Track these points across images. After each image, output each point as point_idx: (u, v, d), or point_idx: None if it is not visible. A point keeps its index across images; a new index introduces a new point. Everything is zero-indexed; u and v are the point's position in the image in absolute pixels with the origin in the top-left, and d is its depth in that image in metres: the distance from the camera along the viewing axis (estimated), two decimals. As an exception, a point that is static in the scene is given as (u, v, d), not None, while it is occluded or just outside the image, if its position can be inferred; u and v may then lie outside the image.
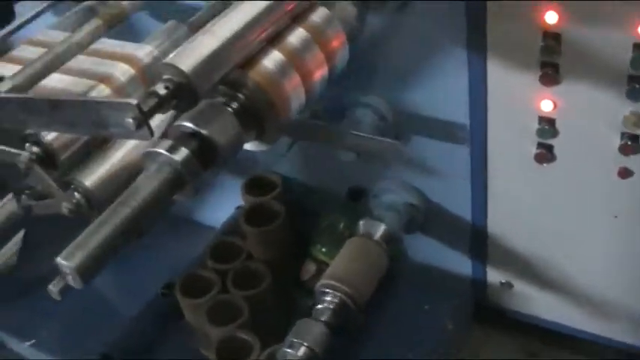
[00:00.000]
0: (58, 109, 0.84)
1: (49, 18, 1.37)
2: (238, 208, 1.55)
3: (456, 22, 1.11)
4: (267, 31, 0.91)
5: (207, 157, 0.84)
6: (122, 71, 1.09)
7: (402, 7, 1.14)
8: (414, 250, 1.42)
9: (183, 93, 0.81)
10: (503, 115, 1.17)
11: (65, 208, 1.03)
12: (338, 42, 1.00)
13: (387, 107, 1.25)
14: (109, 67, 1.09)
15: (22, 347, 1.53)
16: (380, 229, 1.28)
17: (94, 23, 1.04)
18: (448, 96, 1.20)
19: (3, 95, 0.91)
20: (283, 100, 0.91)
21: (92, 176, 1.04)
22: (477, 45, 1.11)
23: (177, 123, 0.85)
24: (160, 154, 0.82)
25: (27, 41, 1.20)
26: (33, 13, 1.32)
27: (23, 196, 1.12)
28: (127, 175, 1.06)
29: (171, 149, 0.82)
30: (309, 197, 1.49)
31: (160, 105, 0.79)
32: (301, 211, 1.48)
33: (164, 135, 0.85)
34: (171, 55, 0.83)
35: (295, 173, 1.48)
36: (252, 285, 1.33)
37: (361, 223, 1.30)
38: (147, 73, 1.11)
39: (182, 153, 0.82)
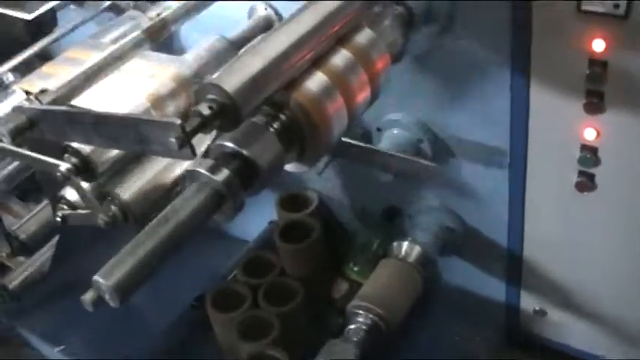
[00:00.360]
0: (101, 124, 0.84)
1: (90, 26, 1.38)
2: (271, 222, 1.54)
3: (500, 46, 1.10)
4: (312, 53, 0.90)
5: (248, 178, 0.84)
6: (162, 84, 1.09)
7: (446, 29, 1.13)
8: (448, 273, 1.41)
9: (227, 114, 0.80)
10: (544, 142, 1.15)
11: (101, 220, 1.03)
12: (382, 64, 0.99)
13: (425, 128, 1.25)
14: (149, 79, 1.09)
15: (51, 352, 1.53)
16: (415, 252, 1.28)
17: (137, 37, 1.03)
18: (488, 119, 1.19)
19: (46, 107, 0.91)
20: (326, 123, 0.90)
21: (129, 189, 1.04)
22: (520, 69, 1.10)
23: (218, 142, 0.84)
24: (201, 173, 0.81)
25: (69, 50, 1.20)
26: (75, 22, 1.33)
27: (59, 205, 1.12)
28: (165, 189, 1.06)
29: (212, 169, 0.81)
30: (343, 215, 1.48)
31: (203, 125, 0.78)
32: (335, 228, 1.47)
33: (205, 154, 0.84)
34: (215, 75, 0.82)
35: (330, 190, 1.47)
36: (284, 301, 1.33)
37: (396, 244, 1.30)
38: (187, 86, 1.12)
39: (223, 173, 0.81)
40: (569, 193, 1.16)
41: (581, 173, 1.14)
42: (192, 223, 0.80)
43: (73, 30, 1.33)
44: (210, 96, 0.80)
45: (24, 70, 1.33)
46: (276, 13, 1.28)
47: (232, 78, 0.82)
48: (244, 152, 0.83)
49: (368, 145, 1.12)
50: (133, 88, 1.08)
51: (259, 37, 0.90)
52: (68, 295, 1.55)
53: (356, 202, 1.47)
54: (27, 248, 1.38)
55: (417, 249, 1.28)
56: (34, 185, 1.37)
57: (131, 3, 1.34)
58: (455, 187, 1.28)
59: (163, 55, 1.14)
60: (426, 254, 1.28)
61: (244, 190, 0.83)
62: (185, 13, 1.08)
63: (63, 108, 0.90)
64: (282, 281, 1.37)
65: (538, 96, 1.11)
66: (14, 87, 1.16)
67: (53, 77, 1.12)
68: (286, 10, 1.28)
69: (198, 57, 1.16)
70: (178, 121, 0.76)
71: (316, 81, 0.90)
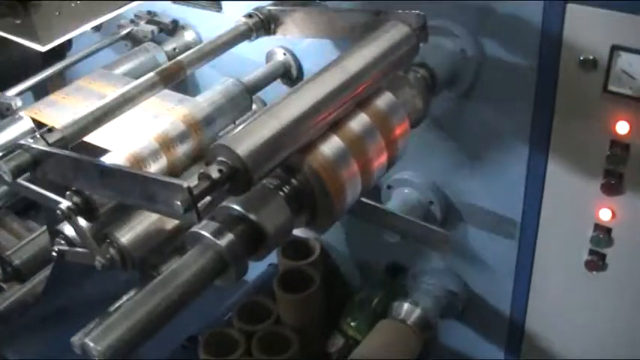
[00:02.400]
0: (107, 176, 0.82)
1: (106, 52, 1.36)
2: (270, 265, 1.52)
3: (521, 117, 1.08)
4: (331, 116, 0.87)
5: (253, 243, 0.81)
6: (173, 125, 1.07)
7: (467, 94, 1.11)
8: (446, 335, 1.38)
9: (238, 178, 0.77)
10: (557, 217, 1.13)
11: (98, 262, 1.01)
12: (401, 130, 0.96)
13: (437, 190, 1.22)
14: (159, 120, 1.07)
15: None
16: (415, 314, 1.25)
17: (151, 79, 1.01)
18: (502, 189, 1.16)
19: (52, 149, 0.88)
20: (338, 189, 0.87)
21: (129, 233, 1.01)
22: (539, 143, 1.08)
23: (225, 204, 0.81)
24: (204, 236, 0.78)
25: (81, 80, 1.18)
26: (90, 48, 1.31)
27: (57, 240, 1.09)
28: (167, 235, 1.04)
29: (216, 233, 0.78)
30: (345, 267, 1.45)
31: (212, 189, 0.75)
32: (336, 280, 1.44)
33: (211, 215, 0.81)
34: (228, 136, 0.79)
35: (335, 240, 1.44)
36: (278, 351, 1.30)
37: (396, 304, 1.27)
38: (197, 129, 1.09)
39: (227, 238, 0.78)
40: (578, 271, 1.14)
41: (592, 252, 1.12)
42: (192, 288, 0.77)
43: (87, 57, 1.31)
44: (221, 158, 0.78)
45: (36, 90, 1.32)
46: (295, 59, 1.26)
47: (245, 141, 0.79)
48: (251, 217, 0.80)
49: (377, 204, 1.09)
50: (142, 126, 1.06)
51: (276, 100, 0.86)
52: (59, 322, 1.52)
53: (360, 255, 1.44)
54: (20, 274, 1.35)
55: (417, 311, 1.25)
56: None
57: (148, 34, 1.32)
58: (462, 252, 1.25)
59: (176, 95, 1.12)
60: (426, 317, 1.25)
61: (248, 256, 0.81)
62: (201, 57, 1.06)
63: (69, 153, 0.87)
64: (277, 330, 1.34)
65: (555, 171, 1.09)
66: (22, 113, 1.14)
67: (62, 108, 1.10)
68: (305, 55, 1.26)
69: (211, 99, 1.13)
70: (185, 184, 0.73)
71: (332, 146, 0.87)
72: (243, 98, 1.17)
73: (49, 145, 0.90)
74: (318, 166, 0.85)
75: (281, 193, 0.84)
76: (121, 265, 1.02)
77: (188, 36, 1.36)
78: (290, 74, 1.26)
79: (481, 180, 1.18)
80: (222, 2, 1.31)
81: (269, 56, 1.28)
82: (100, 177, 0.83)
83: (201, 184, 0.75)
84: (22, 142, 0.90)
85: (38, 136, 0.92)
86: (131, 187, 0.80)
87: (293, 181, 0.86)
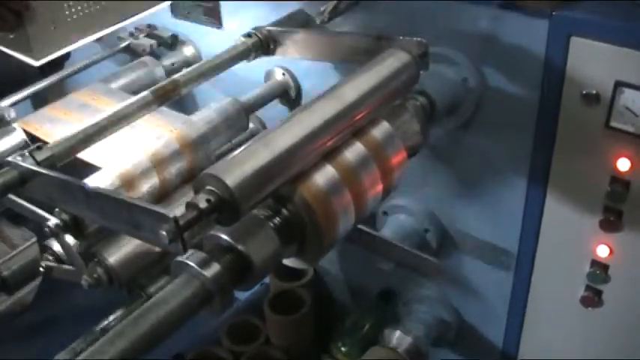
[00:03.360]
0: (93, 199, 0.80)
1: (105, 62, 1.35)
2: (262, 284, 1.50)
3: (521, 150, 1.06)
4: (325, 146, 0.85)
5: (240, 274, 0.79)
6: (166, 144, 1.05)
7: (467, 124, 1.09)
8: (437, 363, 1.37)
9: (226, 208, 0.75)
10: (553, 251, 1.11)
11: (85, 280, 0.99)
12: (397, 160, 0.93)
13: (433, 218, 1.21)
14: (153, 138, 1.05)
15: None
16: (406, 342, 1.23)
17: (146, 98, 0.99)
18: (499, 219, 1.15)
19: (39, 169, 0.86)
20: (330, 222, 0.85)
21: (117, 253, 1.00)
22: (538, 176, 1.07)
23: (213, 233, 0.79)
24: (190, 266, 0.76)
25: (78, 93, 1.16)
26: (88, 60, 1.29)
27: (45, 255, 1.08)
28: (154, 257, 1.02)
29: (202, 263, 0.76)
30: (338, 290, 1.43)
31: (199, 219, 0.73)
32: (328, 302, 1.42)
33: (198, 245, 0.79)
34: (218, 164, 0.77)
35: (328, 263, 1.42)
36: (266, 373, 1.28)
37: (387, 331, 1.25)
38: (191, 148, 1.07)
39: (213, 268, 0.76)
40: (573, 307, 1.12)
41: (588, 288, 1.10)
42: (175, 318, 0.75)
43: (85, 68, 1.29)
44: (210, 187, 0.76)
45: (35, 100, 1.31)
46: (294, 79, 1.24)
47: (235, 170, 0.76)
48: (239, 247, 0.78)
49: (371, 231, 1.07)
50: (136, 145, 1.04)
51: (270, 128, 0.84)
52: (47, 331, 1.51)
53: (353, 279, 1.42)
54: (8, 286, 1.33)
55: (408, 340, 1.23)
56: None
57: (147, 48, 1.31)
58: (456, 281, 1.23)
59: (172, 113, 1.10)
60: (417, 345, 1.23)
61: (234, 287, 0.78)
62: (198, 77, 1.04)
63: (56, 174, 0.85)
64: (266, 351, 1.32)
65: (553, 204, 1.07)
66: (15, 125, 1.12)
67: (57, 122, 1.09)
68: (304, 75, 1.24)
69: (206, 118, 1.12)
70: (172, 214, 0.71)
71: (325, 175, 0.85)
72: (240, 118, 1.15)
73: (37, 163, 0.88)
74: (310, 196, 0.83)
75: (271, 224, 0.82)
76: (108, 284, 1.00)
77: (187, 51, 1.35)
78: (288, 94, 1.25)
79: (478, 210, 1.16)
80: (223, 18, 1.29)
81: (268, 76, 1.26)
82: (85, 200, 0.81)
83: (188, 214, 0.73)
84: (10, 159, 0.89)
85: (27, 154, 0.90)
86: (117, 212, 0.78)
87: (284, 210, 0.83)
